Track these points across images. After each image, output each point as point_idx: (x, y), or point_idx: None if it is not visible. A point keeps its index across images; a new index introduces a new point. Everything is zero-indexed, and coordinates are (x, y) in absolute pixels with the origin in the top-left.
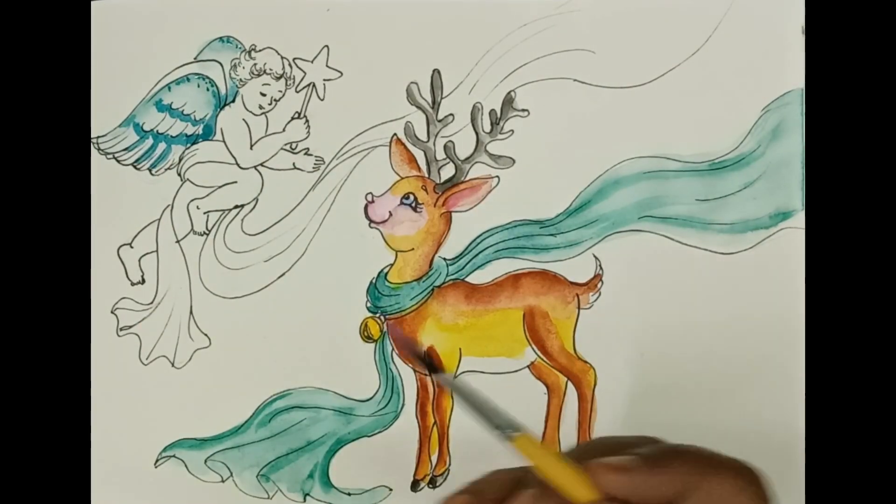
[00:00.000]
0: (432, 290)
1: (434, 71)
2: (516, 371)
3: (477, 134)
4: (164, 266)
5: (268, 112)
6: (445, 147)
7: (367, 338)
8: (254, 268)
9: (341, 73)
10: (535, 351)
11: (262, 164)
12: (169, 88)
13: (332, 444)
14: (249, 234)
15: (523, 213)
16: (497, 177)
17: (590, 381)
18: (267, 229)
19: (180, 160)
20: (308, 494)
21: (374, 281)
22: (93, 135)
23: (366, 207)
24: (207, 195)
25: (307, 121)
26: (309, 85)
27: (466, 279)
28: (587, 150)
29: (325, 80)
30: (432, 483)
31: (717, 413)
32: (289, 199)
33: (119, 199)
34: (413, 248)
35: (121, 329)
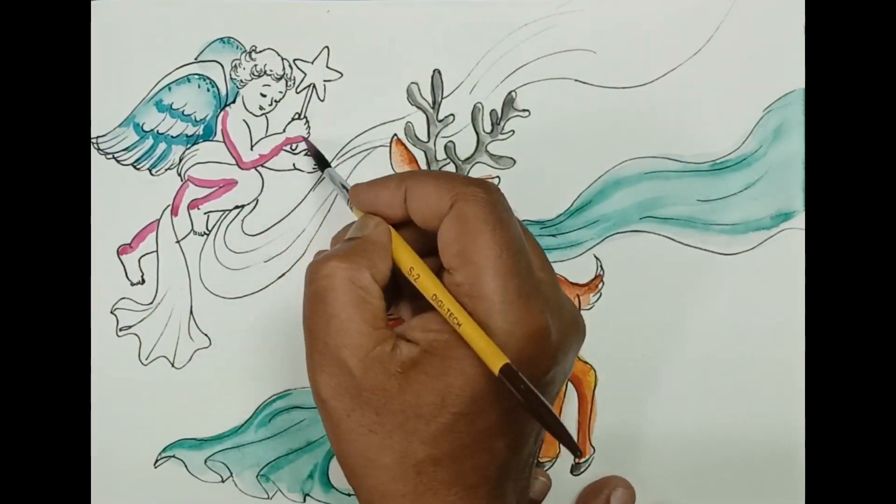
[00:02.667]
0: None
1: (434, 71)
2: None
3: (477, 134)
4: (164, 266)
5: (268, 113)
6: (446, 147)
7: None
8: (254, 268)
9: (341, 74)
10: None
11: (262, 165)
12: (169, 89)
13: None
14: (249, 235)
15: (524, 214)
16: (497, 177)
17: (590, 382)
18: (267, 230)
19: (181, 160)
20: (308, 495)
21: None
22: (93, 135)
23: None
24: (207, 195)
25: (307, 121)
26: (309, 86)
27: None
28: (588, 151)
29: (325, 80)
30: None
31: (717, 413)
32: (289, 199)
33: (119, 200)
34: None
35: (120, 329)
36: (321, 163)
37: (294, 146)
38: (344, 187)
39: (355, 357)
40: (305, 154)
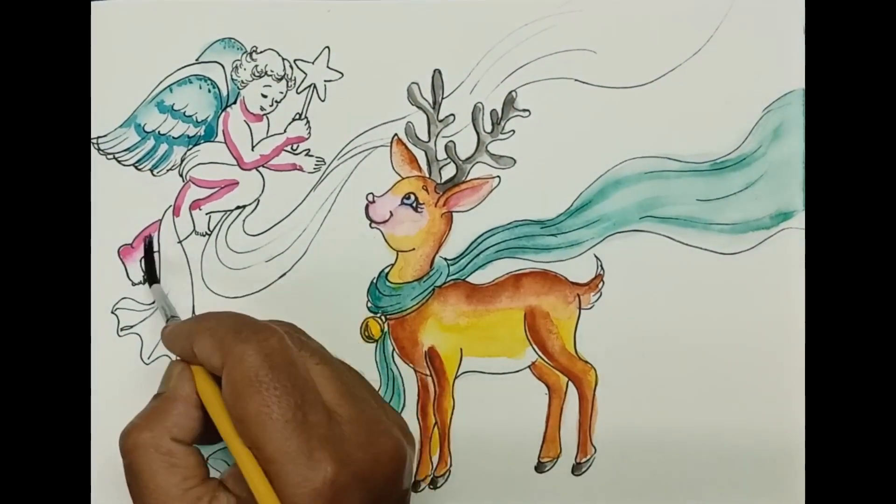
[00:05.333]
0: (433, 290)
1: (435, 71)
2: (517, 371)
3: (478, 134)
4: (166, 266)
5: (269, 113)
6: (446, 147)
7: (367, 338)
8: (255, 268)
9: (342, 74)
10: (535, 351)
11: (263, 165)
12: (170, 90)
13: None
14: (251, 235)
15: (524, 214)
16: (498, 177)
17: (591, 382)
18: (268, 229)
19: (182, 161)
20: None
21: (374, 281)
22: (93, 135)
23: (367, 207)
24: (209, 196)
25: (308, 121)
26: (310, 86)
27: (467, 279)
28: (588, 150)
29: (325, 80)
30: (433, 484)
31: (717, 413)
32: (290, 199)
33: (120, 200)
34: (414, 248)
35: (121, 329)
36: (151, 275)
37: (295, 146)
38: (165, 309)
39: None
40: (306, 155)
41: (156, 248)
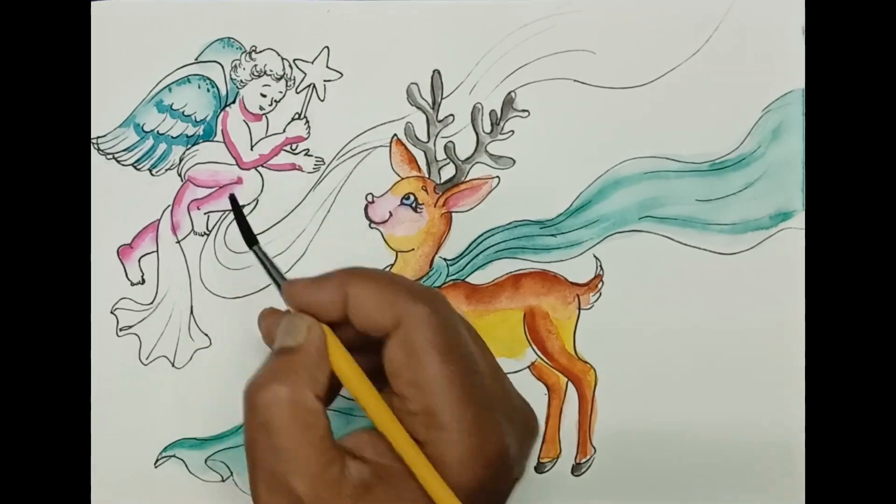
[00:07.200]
0: None
1: (434, 71)
2: (517, 371)
3: (477, 134)
4: (165, 266)
5: (268, 113)
6: (446, 147)
7: None
8: (254, 268)
9: (341, 74)
10: (535, 351)
11: (262, 165)
12: (169, 89)
13: None
14: None
15: (524, 214)
16: (497, 177)
17: (590, 382)
18: (267, 230)
19: (181, 161)
20: None
21: None
22: (93, 135)
23: (366, 208)
24: (208, 195)
25: (307, 121)
26: (309, 86)
27: (467, 279)
28: (587, 151)
29: (325, 80)
30: None
31: (716, 413)
32: (289, 199)
33: (119, 200)
34: (413, 249)
35: (120, 329)
36: (248, 237)
37: (294, 146)
38: (271, 270)
39: (305, 484)
40: (305, 155)
41: (242, 203)
